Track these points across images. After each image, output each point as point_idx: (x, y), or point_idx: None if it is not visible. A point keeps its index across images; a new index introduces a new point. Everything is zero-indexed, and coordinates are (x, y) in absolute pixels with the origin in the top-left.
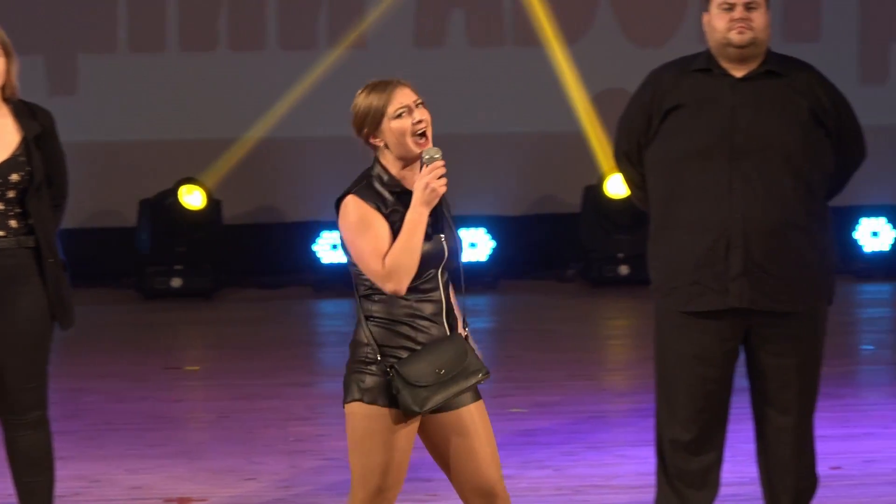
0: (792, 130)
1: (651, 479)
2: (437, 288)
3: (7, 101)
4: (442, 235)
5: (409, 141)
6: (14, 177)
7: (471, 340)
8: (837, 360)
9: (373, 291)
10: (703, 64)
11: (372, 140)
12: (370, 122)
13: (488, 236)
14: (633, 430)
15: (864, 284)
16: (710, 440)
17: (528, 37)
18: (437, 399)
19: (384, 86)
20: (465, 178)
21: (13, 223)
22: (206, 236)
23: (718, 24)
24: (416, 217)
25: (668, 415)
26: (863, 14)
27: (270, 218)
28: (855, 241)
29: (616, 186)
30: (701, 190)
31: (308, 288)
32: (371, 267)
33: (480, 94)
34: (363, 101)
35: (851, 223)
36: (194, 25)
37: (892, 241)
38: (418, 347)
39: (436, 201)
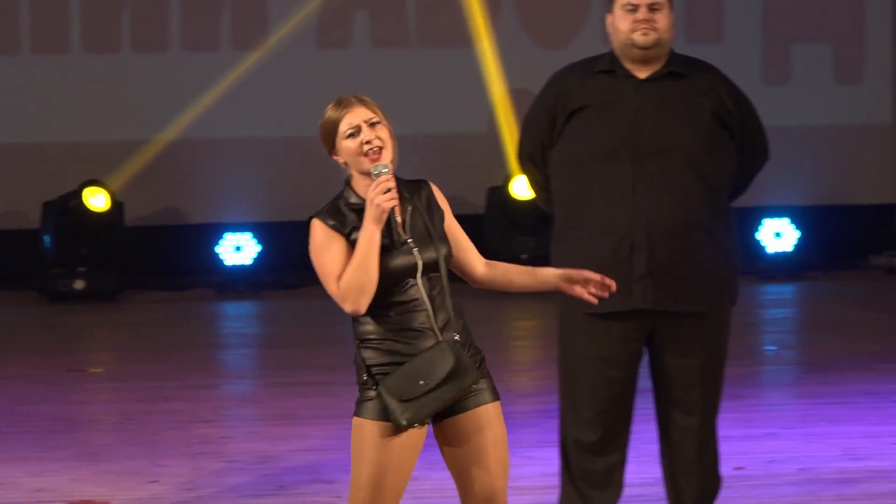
0: (695, 131)
1: (555, 480)
2: (421, 297)
3: None
4: (413, 246)
5: (362, 159)
6: None
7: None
8: (741, 361)
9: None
10: (607, 65)
11: (334, 157)
12: (328, 141)
13: None
14: (537, 431)
15: (767, 285)
16: (614, 441)
17: (433, 38)
18: (426, 411)
19: (340, 104)
20: None
21: None
22: (110, 238)
23: (622, 26)
24: (367, 235)
25: (571, 416)
26: (765, 15)
27: (174, 220)
28: (758, 242)
29: (521, 188)
30: (605, 191)
31: (211, 290)
32: (329, 289)
33: (385, 96)
34: (324, 118)
35: (754, 224)
36: (97, 27)
37: (794, 242)
38: (406, 360)
39: (384, 216)
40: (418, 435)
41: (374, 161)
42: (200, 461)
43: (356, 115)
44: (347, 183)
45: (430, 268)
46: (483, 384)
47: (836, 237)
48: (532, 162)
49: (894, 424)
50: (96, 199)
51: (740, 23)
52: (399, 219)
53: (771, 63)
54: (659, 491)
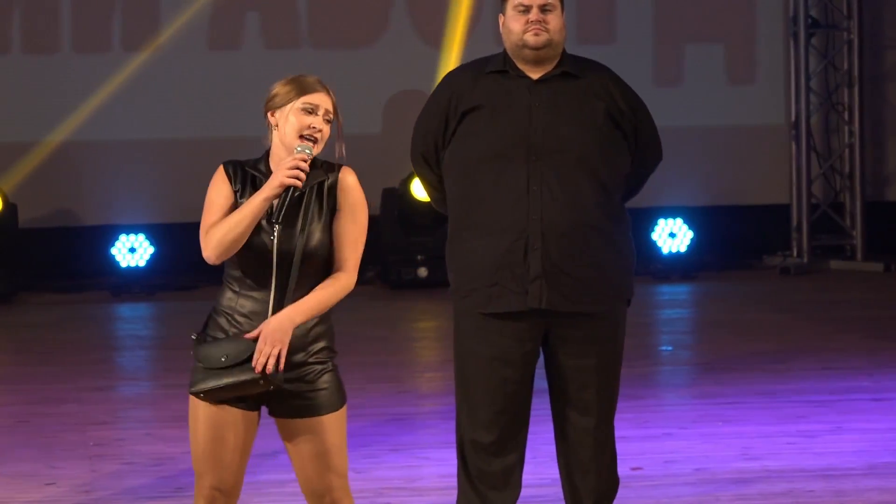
0: (588, 132)
1: (454, 481)
2: (267, 288)
3: None
4: (276, 229)
5: (296, 137)
6: None
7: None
8: (637, 362)
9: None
10: (500, 65)
11: (269, 115)
12: (278, 100)
13: None
14: (435, 432)
15: (662, 285)
16: (511, 441)
17: (324, 39)
18: (210, 384)
19: (312, 82)
20: None
21: None
22: (3, 240)
23: (514, 26)
24: (255, 201)
25: (468, 416)
26: (657, 17)
27: (68, 221)
28: (653, 242)
29: (416, 189)
30: (499, 192)
31: (106, 292)
32: (201, 225)
33: None
34: (284, 82)
35: (649, 224)
36: None
37: (688, 242)
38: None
39: (278, 191)
40: (235, 413)
41: (302, 142)
42: (97, 463)
43: (321, 100)
44: (266, 153)
45: (286, 256)
46: (322, 395)
47: (730, 237)
48: (425, 163)
49: (790, 424)
50: None
51: (632, 24)
52: (275, 201)
53: (663, 64)
54: (557, 491)
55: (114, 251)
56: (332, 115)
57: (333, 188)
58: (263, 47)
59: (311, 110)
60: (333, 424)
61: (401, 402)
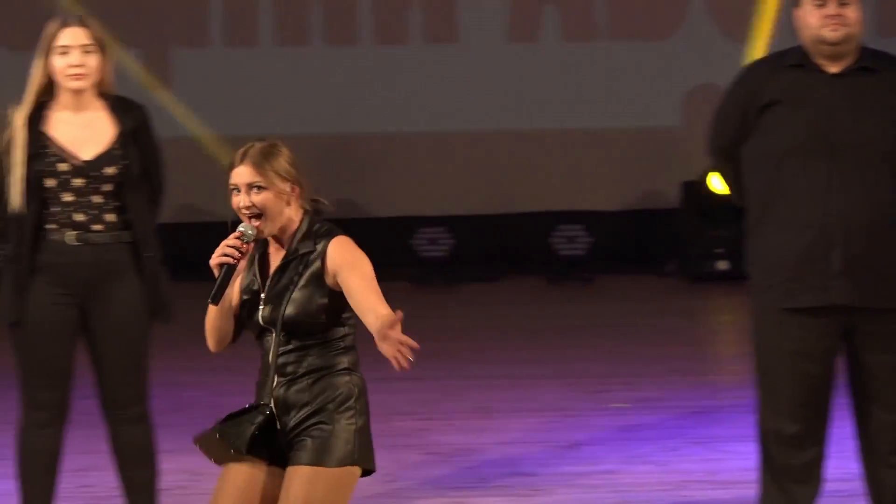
0: (888, 128)
1: (754, 475)
2: (267, 354)
3: (103, 96)
4: (263, 300)
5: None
6: (110, 170)
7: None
8: None
9: None
10: (797, 59)
11: None
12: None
13: (585, 232)
14: (735, 426)
15: None
16: (813, 435)
17: (624, 30)
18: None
19: (235, 157)
20: (571, 172)
21: (110, 217)
22: None
23: (811, 21)
24: None
25: (770, 409)
26: None
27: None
28: None
29: (718, 182)
30: (799, 187)
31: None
32: None
33: (575, 90)
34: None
35: None
36: None
37: None
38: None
39: (214, 269)
40: (248, 471)
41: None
42: (399, 453)
43: (238, 176)
44: None
45: (271, 324)
46: (308, 442)
47: None
48: (723, 156)
49: None
50: None
51: None
52: (252, 272)
53: None
54: (858, 486)
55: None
56: (261, 181)
57: (318, 257)
58: (564, 39)
59: (234, 192)
60: (308, 478)
61: (701, 395)
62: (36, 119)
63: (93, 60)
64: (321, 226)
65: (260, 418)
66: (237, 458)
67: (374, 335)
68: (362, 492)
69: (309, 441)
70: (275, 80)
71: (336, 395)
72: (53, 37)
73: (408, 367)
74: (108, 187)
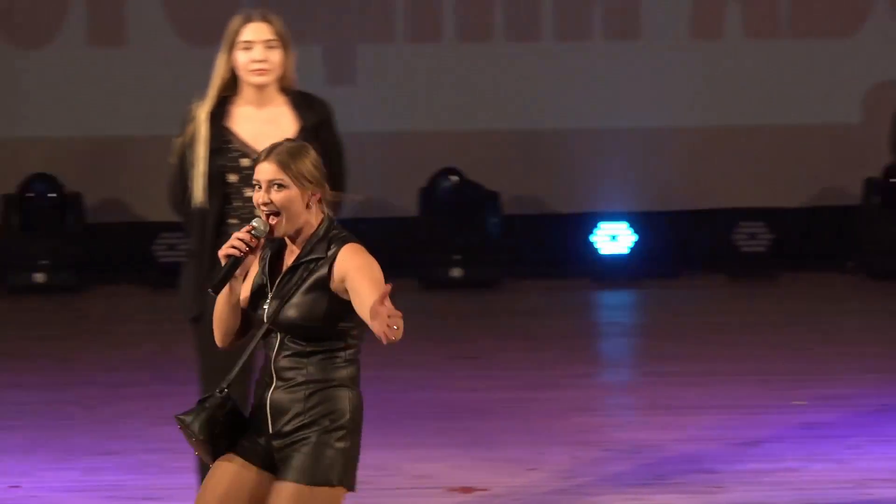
0: None
1: None
2: (269, 350)
3: (285, 91)
4: (269, 300)
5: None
6: None
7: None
8: None
9: None
10: None
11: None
12: None
13: (766, 229)
14: None
15: None
16: None
17: (804, 28)
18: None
19: (261, 152)
20: (745, 168)
21: None
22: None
23: None
24: None
25: None
26: None
27: (546, 209)
28: None
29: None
30: None
31: (587, 279)
32: None
33: (762, 87)
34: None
35: None
36: None
37: None
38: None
39: (222, 260)
40: (236, 471)
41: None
42: (578, 450)
43: (263, 172)
44: None
45: (274, 324)
46: (296, 458)
47: None
48: None
49: None
50: None
51: None
52: (262, 273)
53: None
54: None
55: (594, 239)
56: (279, 179)
57: (327, 263)
58: (744, 36)
59: (256, 184)
60: (293, 498)
61: (883, 392)
62: (219, 114)
63: (275, 56)
64: (338, 232)
65: (213, 401)
66: (229, 458)
67: (368, 317)
68: (540, 488)
69: (297, 457)
70: (457, 76)
71: (330, 412)
72: (237, 32)
73: (395, 340)
74: None
